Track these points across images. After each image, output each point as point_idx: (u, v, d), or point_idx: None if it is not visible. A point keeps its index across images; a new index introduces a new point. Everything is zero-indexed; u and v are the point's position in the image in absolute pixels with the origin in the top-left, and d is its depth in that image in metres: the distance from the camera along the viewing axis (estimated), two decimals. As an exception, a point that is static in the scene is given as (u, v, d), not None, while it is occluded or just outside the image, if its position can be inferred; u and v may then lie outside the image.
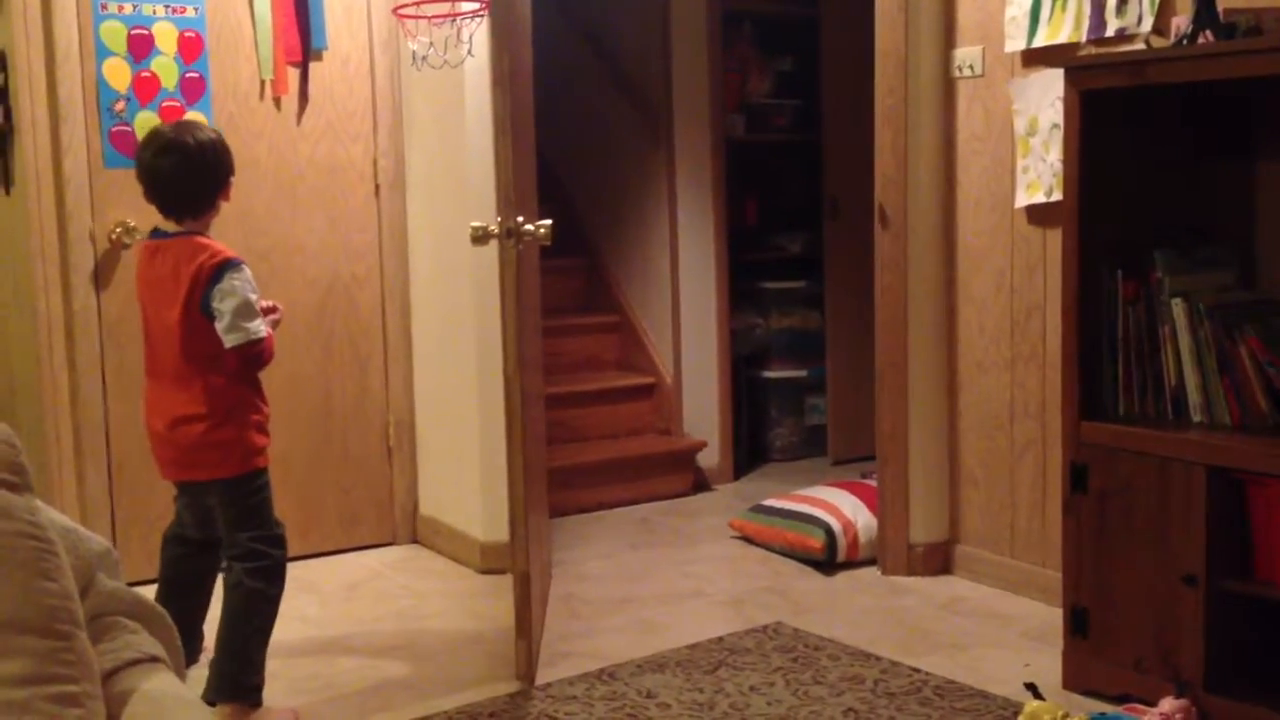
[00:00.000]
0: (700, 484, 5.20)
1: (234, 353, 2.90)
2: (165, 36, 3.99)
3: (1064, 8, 3.48)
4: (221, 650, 2.96)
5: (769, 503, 4.45)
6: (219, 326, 2.88)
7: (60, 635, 1.43)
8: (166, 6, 3.99)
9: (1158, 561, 2.86)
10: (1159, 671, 2.87)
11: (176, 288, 2.90)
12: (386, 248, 4.40)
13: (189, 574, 3.17)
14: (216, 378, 2.93)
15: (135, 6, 3.95)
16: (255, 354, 2.94)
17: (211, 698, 2.91)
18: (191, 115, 4.04)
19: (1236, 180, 3.13)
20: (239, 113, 4.12)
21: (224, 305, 2.87)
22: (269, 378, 4.21)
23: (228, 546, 3.02)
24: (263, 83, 4.15)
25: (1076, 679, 3.06)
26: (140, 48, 3.96)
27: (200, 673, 3.01)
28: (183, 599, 3.07)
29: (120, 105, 3.95)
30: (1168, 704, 2.76)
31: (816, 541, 4.11)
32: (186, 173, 2.94)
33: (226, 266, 2.89)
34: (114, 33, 3.92)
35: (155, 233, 3.02)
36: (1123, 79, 2.89)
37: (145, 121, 3.97)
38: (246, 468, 2.99)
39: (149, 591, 1.81)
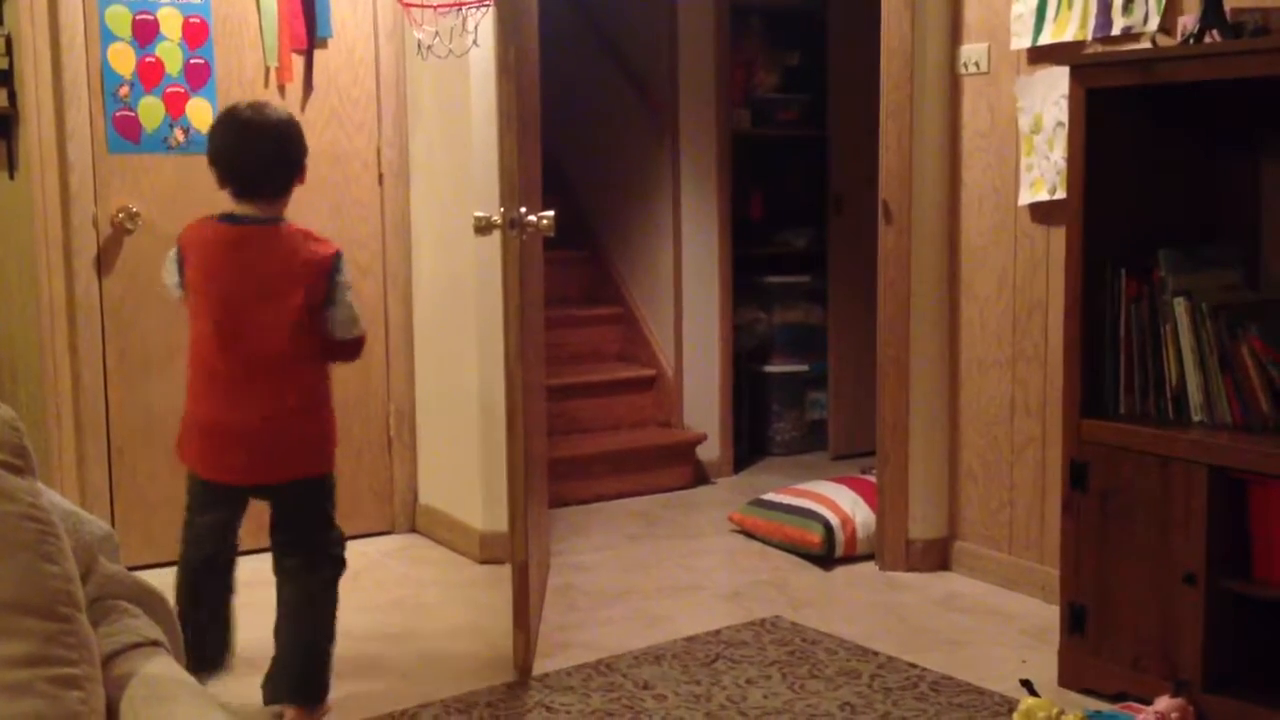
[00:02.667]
0: (700, 477, 5.20)
1: (346, 345, 2.84)
2: (170, 22, 3.99)
3: (1070, 6, 3.47)
4: (298, 653, 2.86)
5: (768, 497, 4.45)
6: (337, 318, 2.79)
7: (61, 618, 1.43)
8: (172, -8, 4.00)
9: (1157, 560, 2.86)
10: (1156, 670, 2.87)
11: (289, 278, 2.75)
12: (389, 237, 4.40)
13: (221, 598, 2.97)
14: (317, 371, 2.84)
15: (141, -8, 3.95)
16: (361, 346, 2.91)
17: (289, 699, 2.84)
18: (195, 102, 4.04)
19: (1241, 180, 3.13)
20: (244, 100, 4.11)
21: (345, 296, 2.79)
22: (270, 365, 4.24)
23: (305, 547, 2.91)
24: (267, 70, 4.15)
25: (1073, 676, 3.06)
26: (145, 33, 3.96)
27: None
28: (218, 621, 2.95)
29: (124, 90, 3.94)
30: (1164, 703, 2.76)
31: (815, 536, 4.11)
32: (272, 152, 2.78)
33: (340, 256, 2.81)
34: (119, 18, 3.92)
35: (231, 218, 2.81)
36: (1129, 77, 2.89)
37: (149, 107, 3.98)
38: (332, 464, 2.92)
39: (150, 576, 1.81)
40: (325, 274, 2.77)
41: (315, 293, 2.76)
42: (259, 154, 2.77)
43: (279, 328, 2.75)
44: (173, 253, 2.88)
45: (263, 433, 2.79)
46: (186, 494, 2.95)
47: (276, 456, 2.81)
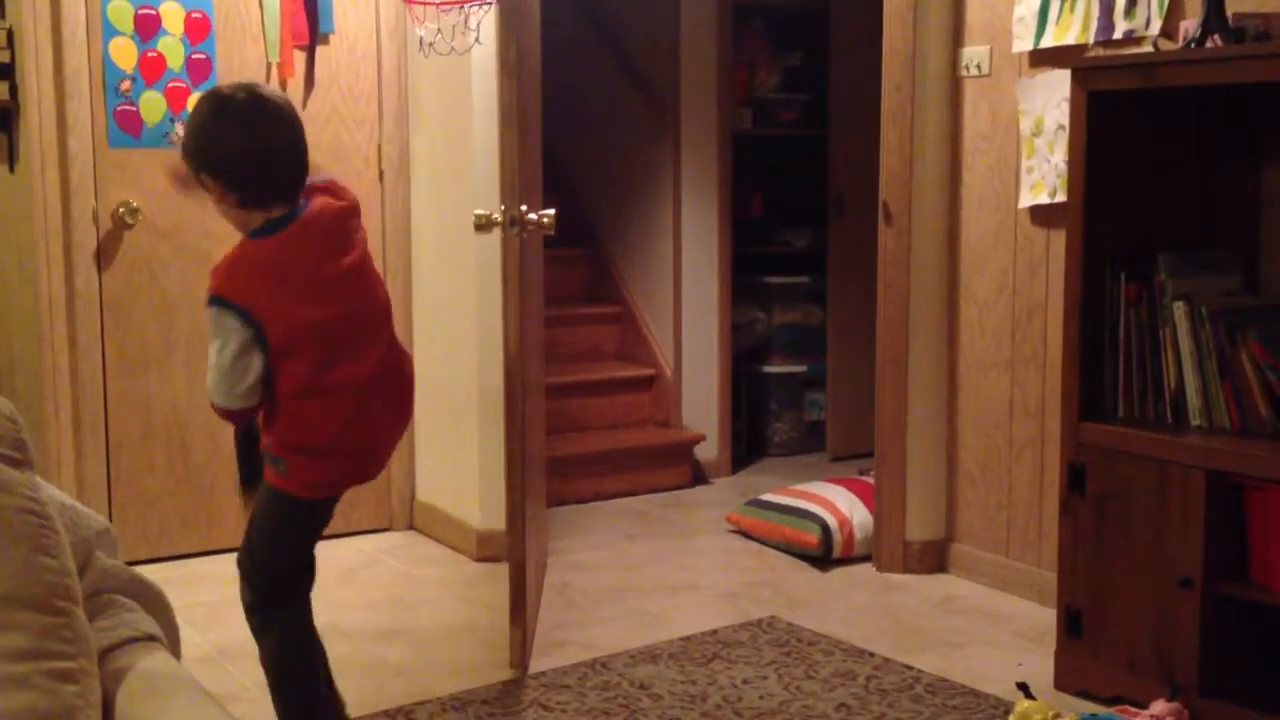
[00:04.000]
0: (698, 477, 5.20)
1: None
2: (172, 17, 3.99)
3: (1072, 9, 3.47)
4: None
5: (766, 497, 4.45)
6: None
7: (59, 611, 1.43)
8: (175, -13, 3.99)
9: (1154, 564, 2.86)
10: (1153, 674, 2.88)
11: (370, 266, 2.48)
12: (389, 233, 4.40)
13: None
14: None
15: (143, -14, 3.95)
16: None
17: None
18: (197, 97, 4.04)
19: (1242, 184, 3.13)
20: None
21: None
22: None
23: None
24: (269, 65, 4.15)
25: (1069, 679, 3.06)
26: (147, 28, 3.96)
27: (194, 651, 3.02)
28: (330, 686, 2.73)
29: (126, 85, 3.94)
30: (1159, 706, 2.76)
31: (812, 537, 4.11)
32: (302, 141, 2.40)
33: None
34: (121, 12, 3.92)
35: (278, 223, 2.34)
36: (1131, 81, 2.89)
37: (150, 102, 3.98)
38: None
39: (147, 571, 1.81)
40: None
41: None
42: (300, 146, 2.38)
43: (384, 320, 2.51)
44: (235, 331, 2.30)
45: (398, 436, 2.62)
46: (293, 528, 2.57)
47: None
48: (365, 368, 2.42)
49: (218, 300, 2.30)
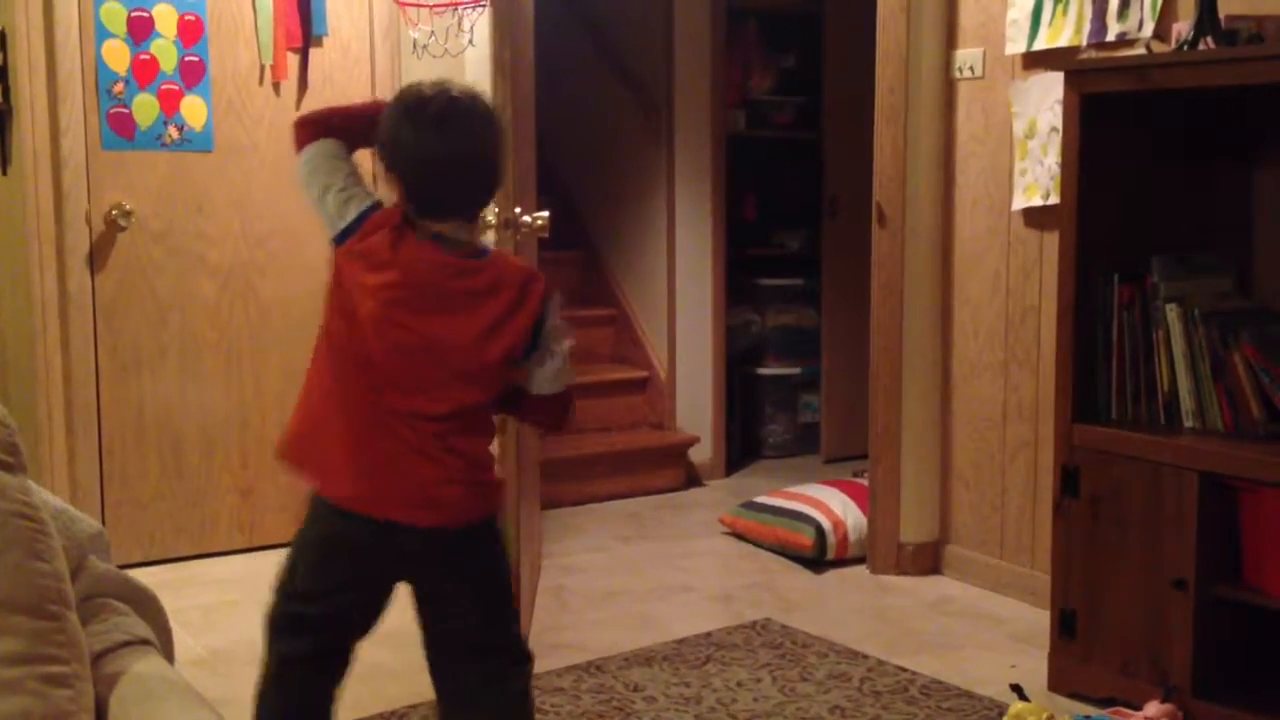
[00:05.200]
0: (692, 479, 5.20)
1: (550, 401, 2.17)
2: (165, 19, 3.98)
3: (1065, 11, 3.48)
4: None
5: (760, 499, 4.46)
6: (546, 370, 2.12)
7: (51, 616, 1.43)
8: (168, -11, 3.99)
9: (1147, 566, 2.87)
10: (1146, 675, 2.88)
11: (497, 318, 2.05)
12: (383, 236, 4.38)
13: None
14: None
15: (136, -12, 3.95)
16: (571, 405, 2.23)
17: None
18: (190, 99, 4.04)
19: (1235, 187, 3.13)
20: (238, 98, 4.12)
21: (558, 346, 2.12)
22: (267, 366, 4.24)
23: None
24: (262, 68, 4.14)
25: (1062, 681, 3.07)
26: (140, 30, 3.95)
27: (187, 655, 3.01)
28: None
29: (119, 87, 3.94)
30: (1152, 708, 2.77)
31: (806, 539, 4.11)
32: (484, 159, 2.10)
33: (552, 291, 2.13)
34: (114, 14, 3.91)
35: (447, 240, 2.05)
36: (1124, 83, 2.89)
37: (143, 104, 3.97)
38: None
39: (140, 575, 1.81)
40: (534, 313, 2.12)
41: (523, 338, 2.15)
42: (470, 160, 2.08)
43: (466, 381, 2.15)
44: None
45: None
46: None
47: None
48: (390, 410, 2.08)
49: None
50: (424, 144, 2.02)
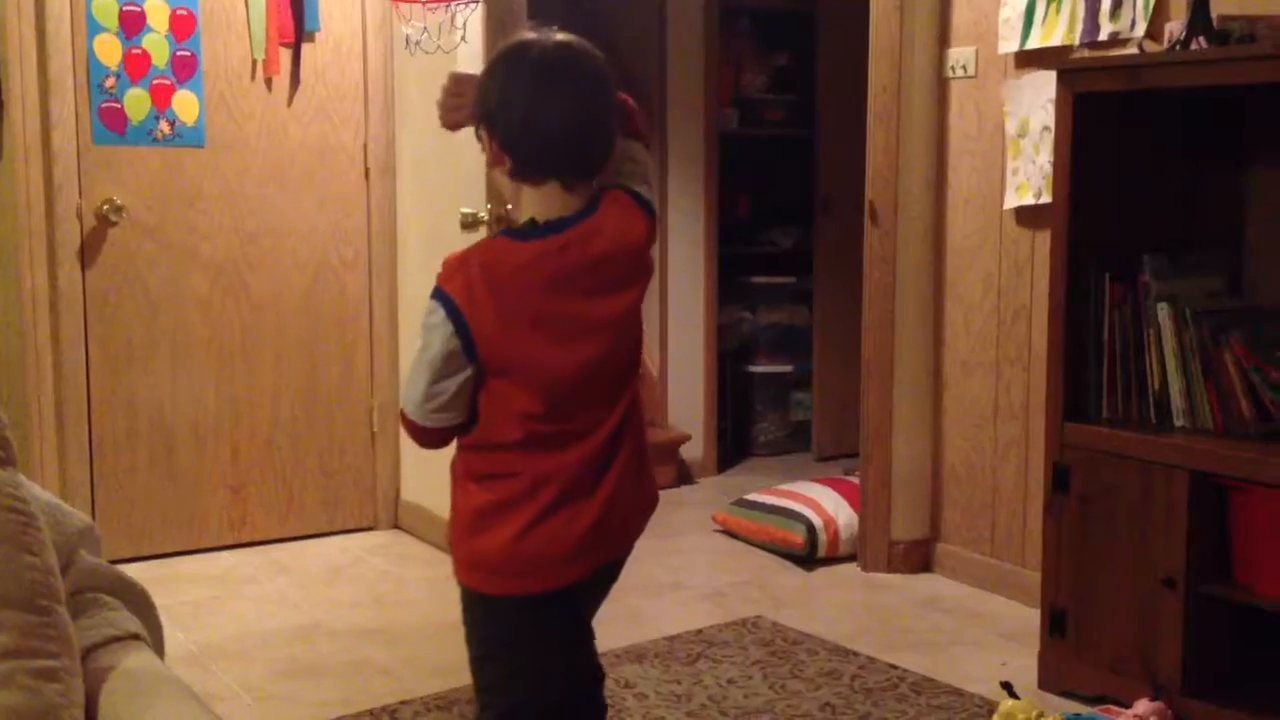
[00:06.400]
0: (683, 477, 5.20)
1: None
2: (157, 13, 3.97)
3: (1058, 11, 3.48)
4: None
5: (751, 497, 4.46)
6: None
7: (41, 610, 1.42)
8: (160, -17, 3.98)
9: (1137, 564, 2.87)
10: (1136, 673, 2.88)
11: (628, 281, 1.88)
12: (375, 232, 4.39)
13: None
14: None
15: (128, -17, 3.94)
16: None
17: None
18: (181, 94, 4.03)
19: (1227, 186, 3.14)
20: (230, 93, 4.11)
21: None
22: (259, 362, 4.24)
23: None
24: (254, 63, 4.13)
25: (1053, 679, 3.07)
26: (132, 24, 3.94)
27: (177, 650, 3.01)
28: None
29: (110, 82, 3.93)
30: (1142, 705, 2.77)
31: (798, 537, 4.11)
32: (600, 115, 1.87)
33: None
34: (106, 9, 3.90)
35: (556, 226, 1.83)
36: (1116, 83, 2.90)
37: (135, 99, 3.96)
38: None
39: (130, 570, 1.80)
40: (648, 271, 1.99)
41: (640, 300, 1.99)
42: (586, 114, 1.86)
43: (622, 364, 1.96)
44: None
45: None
46: (503, 646, 2.08)
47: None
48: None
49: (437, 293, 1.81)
50: (524, 95, 1.84)
